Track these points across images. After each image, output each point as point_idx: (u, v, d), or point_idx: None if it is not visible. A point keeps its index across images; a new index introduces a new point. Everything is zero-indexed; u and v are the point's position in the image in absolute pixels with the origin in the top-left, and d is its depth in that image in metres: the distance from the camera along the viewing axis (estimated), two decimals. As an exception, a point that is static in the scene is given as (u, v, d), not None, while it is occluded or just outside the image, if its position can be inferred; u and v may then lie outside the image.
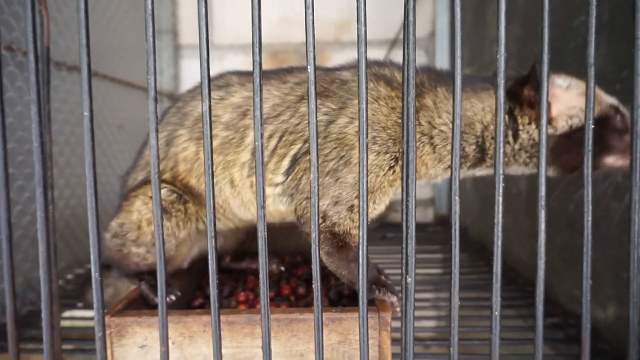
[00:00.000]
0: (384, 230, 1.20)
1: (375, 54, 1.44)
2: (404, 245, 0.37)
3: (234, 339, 0.42)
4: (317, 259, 0.37)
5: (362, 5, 0.34)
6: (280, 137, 0.56)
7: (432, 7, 1.39)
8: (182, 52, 1.46)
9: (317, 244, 0.37)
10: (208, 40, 0.37)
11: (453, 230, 0.36)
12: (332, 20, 1.43)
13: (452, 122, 0.36)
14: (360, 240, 0.37)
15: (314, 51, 0.34)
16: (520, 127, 0.54)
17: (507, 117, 0.54)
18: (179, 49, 1.45)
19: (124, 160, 1.06)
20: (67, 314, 0.81)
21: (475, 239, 1.16)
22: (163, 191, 0.59)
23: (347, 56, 1.45)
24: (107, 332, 0.43)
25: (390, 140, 0.53)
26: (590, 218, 0.36)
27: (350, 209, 0.53)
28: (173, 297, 0.52)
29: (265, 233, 0.37)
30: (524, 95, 0.53)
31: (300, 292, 0.67)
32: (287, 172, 0.56)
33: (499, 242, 0.36)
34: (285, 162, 0.56)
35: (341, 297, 0.65)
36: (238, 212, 0.62)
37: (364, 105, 0.35)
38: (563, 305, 0.72)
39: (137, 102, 1.19)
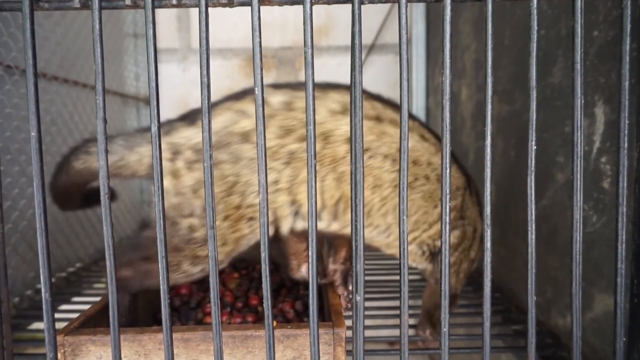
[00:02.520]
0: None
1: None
2: (353, 264, 0.37)
3: (189, 356, 0.43)
4: (268, 275, 0.37)
5: (308, 30, 0.34)
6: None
7: (409, 14, 1.40)
8: (159, 57, 1.45)
9: (267, 262, 0.37)
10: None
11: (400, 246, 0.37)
12: (310, 25, 1.43)
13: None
14: (311, 252, 0.37)
15: (262, 73, 0.35)
16: None
17: None
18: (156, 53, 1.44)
19: (96, 167, 1.05)
20: (36, 325, 0.81)
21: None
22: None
23: (325, 61, 1.45)
24: (61, 351, 0.42)
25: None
26: (534, 236, 0.37)
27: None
28: None
29: (216, 252, 0.37)
30: None
31: (267, 302, 0.67)
32: None
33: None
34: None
35: (307, 308, 0.65)
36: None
37: (311, 127, 0.35)
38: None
39: (110, 107, 1.18)
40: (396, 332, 0.74)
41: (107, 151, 0.37)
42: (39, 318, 0.81)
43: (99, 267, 1.03)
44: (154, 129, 0.36)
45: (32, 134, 0.36)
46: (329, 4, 0.37)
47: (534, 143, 0.35)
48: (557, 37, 0.61)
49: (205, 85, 0.35)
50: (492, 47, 0.36)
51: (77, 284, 0.92)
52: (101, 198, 0.37)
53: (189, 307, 0.67)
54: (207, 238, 0.37)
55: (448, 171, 0.36)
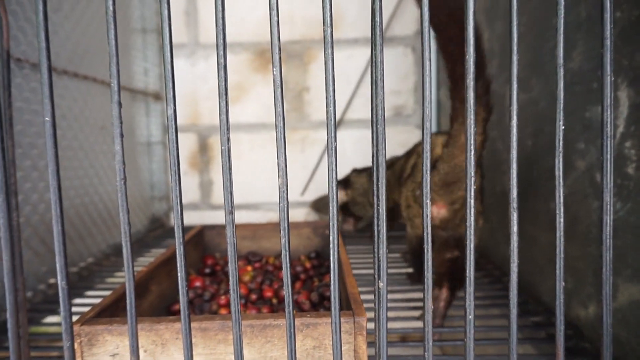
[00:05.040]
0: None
1: (363, 51, 1.43)
2: (375, 250, 0.36)
3: (207, 345, 0.42)
4: (288, 261, 0.36)
5: (327, 6, 0.33)
6: None
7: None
8: (168, 52, 1.44)
9: (287, 248, 0.36)
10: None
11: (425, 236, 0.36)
12: (318, 18, 1.42)
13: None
14: (332, 245, 0.36)
15: (280, 52, 0.34)
16: None
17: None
18: (171, 33, 1.43)
19: (106, 161, 1.05)
20: (49, 319, 0.81)
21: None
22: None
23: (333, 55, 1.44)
24: (78, 341, 0.42)
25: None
26: (562, 219, 0.36)
27: None
28: None
29: (235, 238, 0.36)
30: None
31: (282, 294, 0.66)
32: None
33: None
34: None
35: (323, 299, 0.64)
36: None
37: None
38: (546, 303, 0.72)
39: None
40: (407, 324, 0.73)
41: (122, 135, 0.36)
42: (52, 312, 0.81)
43: (110, 262, 1.03)
44: (170, 111, 0.35)
45: (47, 118, 0.35)
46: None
47: (561, 123, 0.34)
48: (577, 21, 0.59)
49: (222, 67, 0.34)
50: (517, 23, 0.35)
51: (89, 278, 0.92)
52: (117, 184, 0.36)
53: (203, 300, 0.67)
54: (226, 223, 0.36)
55: (472, 152, 0.35)
